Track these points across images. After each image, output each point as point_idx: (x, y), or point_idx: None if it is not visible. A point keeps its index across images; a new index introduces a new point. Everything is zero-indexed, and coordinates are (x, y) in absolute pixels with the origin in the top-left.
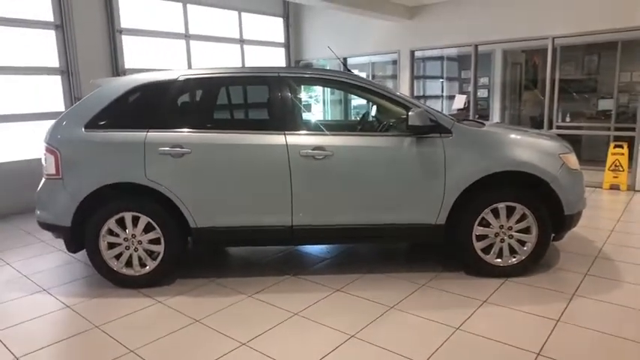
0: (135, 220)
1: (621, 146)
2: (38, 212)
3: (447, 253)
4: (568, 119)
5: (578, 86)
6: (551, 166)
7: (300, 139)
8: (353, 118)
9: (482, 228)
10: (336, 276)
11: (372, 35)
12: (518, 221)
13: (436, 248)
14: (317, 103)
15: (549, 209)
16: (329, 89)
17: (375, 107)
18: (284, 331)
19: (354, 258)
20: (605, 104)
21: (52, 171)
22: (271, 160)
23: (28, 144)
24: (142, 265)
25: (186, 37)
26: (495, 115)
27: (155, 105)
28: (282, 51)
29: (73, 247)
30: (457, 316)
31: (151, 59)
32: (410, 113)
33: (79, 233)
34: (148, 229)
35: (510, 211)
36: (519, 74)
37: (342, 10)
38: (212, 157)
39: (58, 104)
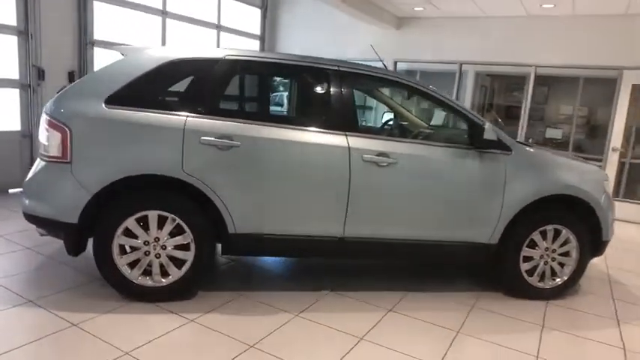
0: (160, 221)
1: None
2: (27, 202)
3: (472, 270)
4: (531, 141)
5: (540, 114)
6: (597, 192)
7: (362, 142)
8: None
9: (528, 249)
10: (377, 293)
11: (355, 39)
12: (562, 245)
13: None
14: (375, 105)
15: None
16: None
17: (397, 114)
18: (362, 359)
19: (381, 273)
20: (553, 133)
21: (57, 152)
22: (330, 162)
23: None
24: (164, 274)
25: (163, 13)
26: None
27: (197, 86)
28: (256, 43)
29: (74, 248)
30: (528, 342)
31: (123, 33)
32: (486, 126)
33: (83, 232)
34: (174, 231)
35: (557, 234)
36: (484, 96)
37: (328, 4)
38: (264, 153)
39: (12, 70)
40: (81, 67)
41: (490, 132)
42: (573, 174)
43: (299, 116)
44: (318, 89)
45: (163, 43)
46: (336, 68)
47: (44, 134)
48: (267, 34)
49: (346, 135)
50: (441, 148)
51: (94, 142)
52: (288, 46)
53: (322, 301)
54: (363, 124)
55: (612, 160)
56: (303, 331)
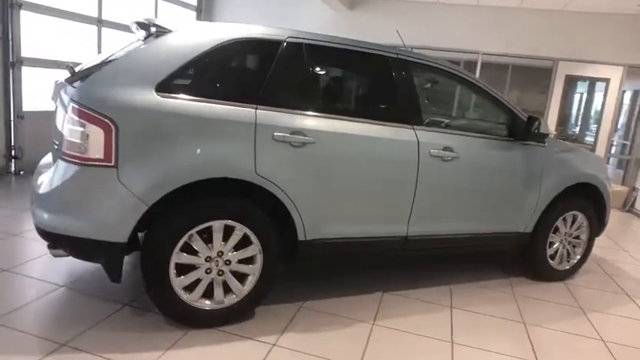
0: (225, 232)
1: None
2: (47, 217)
3: (484, 257)
4: None
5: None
6: (605, 178)
7: (429, 136)
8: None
9: (552, 235)
10: (426, 290)
11: (302, 17)
12: (577, 229)
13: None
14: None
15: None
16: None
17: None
18: None
19: (410, 268)
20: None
21: (96, 153)
22: (402, 158)
23: None
24: (226, 293)
25: None
26: None
27: (264, 72)
28: (193, 14)
29: (118, 273)
30: (584, 326)
31: None
32: (542, 120)
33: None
34: (239, 243)
35: (574, 219)
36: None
37: None
38: (339, 150)
39: None
40: (5, 33)
41: (545, 126)
42: (590, 162)
43: (370, 108)
44: (389, 79)
45: (100, 9)
46: (408, 58)
47: (74, 129)
48: (204, 5)
49: (414, 129)
50: (492, 141)
51: (147, 141)
52: (225, 20)
53: (385, 304)
54: (431, 116)
55: None
56: (394, 342)
